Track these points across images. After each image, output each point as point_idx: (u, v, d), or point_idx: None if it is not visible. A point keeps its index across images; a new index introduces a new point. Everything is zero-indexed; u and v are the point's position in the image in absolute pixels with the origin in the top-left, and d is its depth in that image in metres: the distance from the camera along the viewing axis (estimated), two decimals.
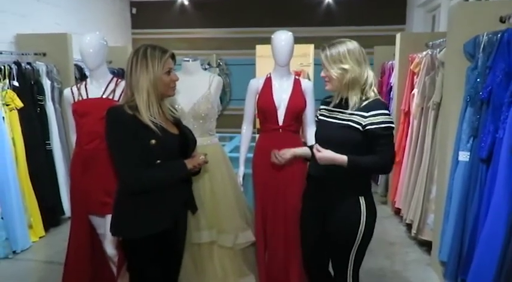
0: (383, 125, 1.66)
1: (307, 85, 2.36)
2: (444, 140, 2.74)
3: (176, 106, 2.11)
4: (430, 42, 3.43)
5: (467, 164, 2.46)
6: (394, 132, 1.74)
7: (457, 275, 2.48)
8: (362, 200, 1.74)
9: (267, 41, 2.31)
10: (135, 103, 1.58)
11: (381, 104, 1.73)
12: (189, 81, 2.19)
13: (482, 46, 2.36)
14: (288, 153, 1.92)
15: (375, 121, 1.66)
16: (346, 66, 1.68)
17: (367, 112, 1.68)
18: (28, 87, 3.54)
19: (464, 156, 2.48)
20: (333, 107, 1.81)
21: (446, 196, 2.64)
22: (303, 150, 1.98)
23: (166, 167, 1.63)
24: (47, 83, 3.73)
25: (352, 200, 1.74)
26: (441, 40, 3.14)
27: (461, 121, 2.51)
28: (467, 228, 2.40)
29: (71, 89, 2.23)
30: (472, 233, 2.33)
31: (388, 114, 1.69)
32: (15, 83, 3.39)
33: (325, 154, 1.68)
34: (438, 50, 3.17)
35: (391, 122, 1.69)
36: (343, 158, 1.66)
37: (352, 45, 1.72)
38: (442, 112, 2.90)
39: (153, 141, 1.57)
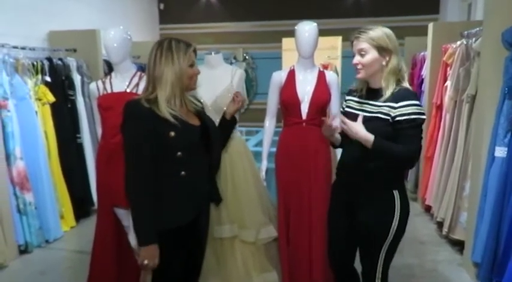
0: (412, 117, 1.58)
1: (331, 77, 2.29)
2: (479, 135, 2.61)
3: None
4: (465, 32, 3.25)
5: (504, 160, 2.34)
6: (424, 125, 1.65)
7: (491, 277, 2.37)
8: (396, 194, 1.67)
9: (293, 34, 2.27)
10: (154, 96, 1.58)
11: (411, 93, 1.64)
12: (212, 75, 2.18)
13: None
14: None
15: (405, 112, 1.58)
16: (386, 53, 1.62)
17: (397, 102, 1.60)
18: (59, 82, 3.65)
19: (501, 151, 2.35)
20: (362, 99, 1.74)
21: (480, 193, 2.52)
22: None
23: (150, 209, 1.56)
24: (77, 78, 3.85)
25: (386, 193, 1.68)
26: (477, 29, 2.97)
27: (498, 115, 2.38)
28: (504, 227, 2.29)
29: (96, 83, 2.27)
30: (509, 233, 2.23)
31: (419, 105, 1.61)
32: (48, 78, 3.51)
33: (355, 126, 1.60)
34: (474, 39, 3.01)
35: (422, 114, 1.60)
36: (369, 136, 1.59)
37: (387, 30, 1.65)
38: (477, 105, 2.76)
39: (172, 134, 1.56)
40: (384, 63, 1.64)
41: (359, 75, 1.69)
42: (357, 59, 1.66)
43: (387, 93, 1.62)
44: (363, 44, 1.63)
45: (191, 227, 1.70)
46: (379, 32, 1.63)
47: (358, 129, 1.61)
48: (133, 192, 1.56)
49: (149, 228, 1.56)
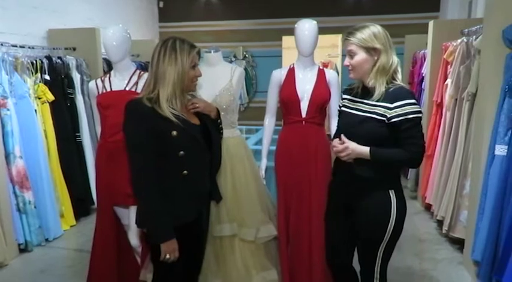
0: (410, 116, 1.57)
1: (332, 76, 2.28)
2: (479, 133, 2.60)
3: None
4: (466, 30, 3.24)
5: (504, 158, 2.33)
6: (423, 122, 1.64)
7: (491, 276, 2.36)
8: (392, 194, 1.67)
9: (293, 32, 2.26)
10: (155, 95, 1.57)
11: (406, 92, 1.63)
12: (211, 73, 2.17)
13: None
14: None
15: (400, 113, 1.57)
16: (375, 52, 1.61)
17: (392, 103, 1.59)
18: (59, 81, 3.65)
19: (501, 150, 2.35)
20: (356, 97, 1.74)
21: (481, 192, 2.51)
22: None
23: (162, 206, 1.56)
24: (76, 77, 3.84)
25: (381, 194, 1.67)
26: (478, 27, 2.96)
27: (499, 113, 2.37)
28: (504, 226, 2.28)
29: (96, 81, 2.26)
30: (509, 232, 2.22)
31: (415, 103, 1.59)
32: (47, 77, 3.51)
33: (350, 145, 1.62)
34: (474, 37, 3.00)
35: (419, 112, 1.59)
36: (365, 149, 1.61)
37: (376, 29, 1.64)
38: (478, 103, 2.75)
39: (174, 133, 1.56)
40: (377, 63, 1.63)
41: (351, 76, 1.71)
42: (347, 60, 1.69)
43: (378, 91, 1.62)
44: (350, 45, 1.65)
45: (192, 226, 1.70)
46: (367, 32, 1.62)
47: (352, 147, 1.62)
48: (142, 191, 1.56)
49: (165, 224, 1.57)
